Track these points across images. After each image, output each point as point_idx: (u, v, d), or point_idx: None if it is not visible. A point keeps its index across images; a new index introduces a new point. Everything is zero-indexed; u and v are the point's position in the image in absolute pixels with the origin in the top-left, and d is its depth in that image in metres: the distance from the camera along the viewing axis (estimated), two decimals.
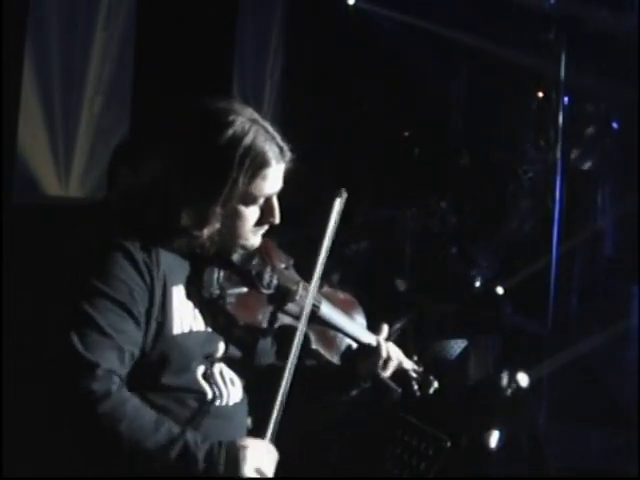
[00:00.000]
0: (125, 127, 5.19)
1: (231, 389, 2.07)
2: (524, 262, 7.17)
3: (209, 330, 2.03)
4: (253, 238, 2.05)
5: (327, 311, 2.25)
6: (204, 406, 2.00)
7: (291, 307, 2.14)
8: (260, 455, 1.90)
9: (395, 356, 2.36)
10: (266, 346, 2.24)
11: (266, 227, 2.07)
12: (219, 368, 2.06)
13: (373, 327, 2.39)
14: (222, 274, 2.05)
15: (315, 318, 2.18)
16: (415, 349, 5.45)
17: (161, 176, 1.95)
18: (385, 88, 7.48)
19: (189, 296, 2.00)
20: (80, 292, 1.85)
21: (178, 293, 1.98)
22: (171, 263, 1.97)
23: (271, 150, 1.99)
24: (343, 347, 2.32)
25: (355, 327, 2.35)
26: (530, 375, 4.95)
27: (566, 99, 7.60)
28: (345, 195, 2.15)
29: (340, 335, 2.30)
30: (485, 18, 7.66)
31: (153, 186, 1.96)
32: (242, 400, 2.12)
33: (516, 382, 4.83)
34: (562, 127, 7.40)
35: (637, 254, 6.72)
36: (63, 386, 1.79)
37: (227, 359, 2.09)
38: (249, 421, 2.18)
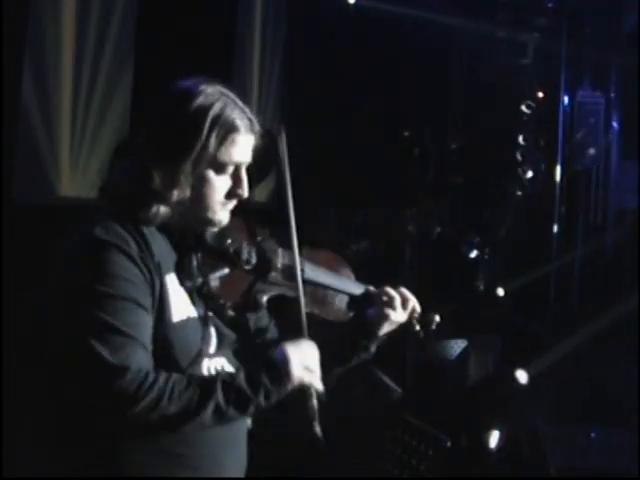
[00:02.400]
0: (125, 127, 5.20)
1: None
2: (524, 262, 7.18)
3: (201, 315, 2.04)
4: (221, 212, 2.05)
5: (312, 272, 2.25)
6: None
7: (275, 276, 2.16)
8: (302, 353, 1.97)
9: (403, 296, 2.34)
10: (262, 323, 2.25)
11: (234, 202, 2.07)
12: (220, 364, 2.06)
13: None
14: (201, 259, 2.06)
15: (303, 281, 2.18)
16: (415, 349, 5.46)
17: (141, 148, 1.99)
18: (385, 88, 7.47)
19: (180, 284, 2.02)
20: (87, 300, 1.85)
21: (171, 282, 1.99)
22: (162, 253, 1.98)
23: (240, 118, 2.03)
24: (337, 303, 2.33)
25: (344, 281, 2.36)
26: (530, 374, 4.95)
27: (566, 99, 7.61)
28: (284, 131, 2.17)
29: (331, 292, 2.32)
30: (486, 17, 7.67)
31: (134, 160, 1.99)
32: None
33: (515, 380, 4.84)
34: (562, 127, 7.41)
35: (637, 254, 6.73)
36: (98, 396, 1.81)
37: (225, 353, 2.09)
38: (249, 421, 2.18)
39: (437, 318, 2.45)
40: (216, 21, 5.96)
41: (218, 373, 1.94)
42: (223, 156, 2.00)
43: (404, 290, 2.37)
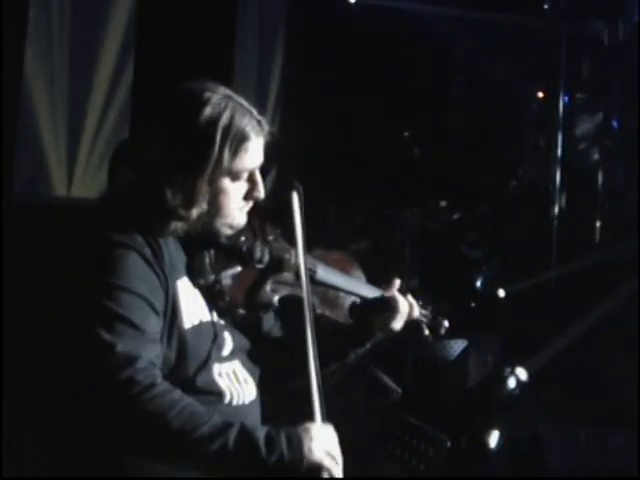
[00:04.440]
0: (126, 128, 5.19)
1: (245, 387, 2.08)
2: (524, 262, 7.17)
3: (214, 319, 2.04)
4: (239, 216, 2.05)
5: (324, 273, 2.25)
6: (222, 407, 1.99)
7: (287, 276, 2.15)
8: (326, 437, 1.82)
9: (405, 305, 2.35)
10: (269, 323, 2.26)
11: (251, 204, 2.07)
12: (232, 367, 2.06)
13: (383, 282, 2.39)
14: (213, 258, 2.05)
15: (314, 282, 2.18)
16: (415, 349, 5.46)
17: (151, 163, 1.98)
18: (385, 88, 7.47)
19: (192, 284, 2.02)
20: (100, 291, 1.84)
21: (182, 286, 1.99)
22: (172, 257, 1.98)
23: (250, 124, 2.00)
24: (347, 305, 2.33)
25: (356, 283, 2.36)
26: (529, 374, 4.95)
27: (566, 99, 7.61)
28: (300, 188, 2.11)
29: (342, 294, 2.32)
30: (485, 18, 7.67)
31: (145, 175, 1.98)
32: (256, 398, 2.12)
33: (515, 377, 4.84)
34: (562, 127, 7.41)
35: (637, 254, 6.72)
36: (107, 384, 1.76)
37: (239, 356, 2.09)
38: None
39: (446, 323, 2.48)
40: (216, 21, 5.95)
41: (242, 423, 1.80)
42: (237, 166, 1.99)
43: (408, 298, 2.37)
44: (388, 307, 2.31)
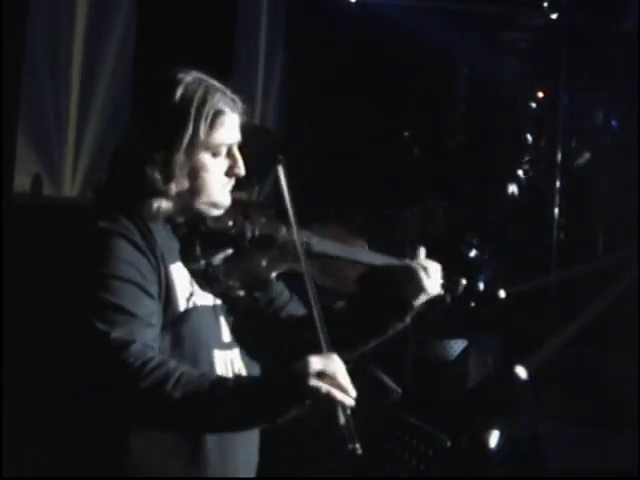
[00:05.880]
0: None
1: None
2: (524, 262, 7.17)
3: (210, 304, 2.06)
4: (223, 194, 2.08)
5: (320, 244, 2.21)
6: None
7: (282, 252, 2.14)
8: (323, 363, 1.82)
9: (435, 268, 2.26)
10: (281, 301, 2.25)
11: (232, 181, 2.10)
12: (231, 356, 2.08)
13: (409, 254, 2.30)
14: (205, 242, 2.07)
15: (311, 254, 2.15)
16: (415, 349, 5.45)
17: (131, 146, 2.03)
18: (385, 88, 7.47)
19: (187, 270, 2.04)
20: (92, 282, 1.88)
21: (177, 271, 2.01)
22: (164, 242, 2.01)
23: (223, 100, 2.07)
24: (354, 273, 2.24)
25: (357, 251, 2.28)
26: (529, 374, 4.96)
27: (566, 99, 7.61)
28: (284, 161, 2.12)
29: (343, 263, 2.24)
30: (485, 18, 7.68)
31: (126, 158, 2.03)
32: None
33: (515, 376, 4.85)
34: (562, 127, 7.41)
35: (637, 253, 6.72)
36: (106, 372, 1.81)
37: (239, 346, 2.10)
38: None
39: (463, 281, 2.39)
40: (216, 20, 5.96)
41: (236, 375, 1.89)
42: (215, 139, 2.03)
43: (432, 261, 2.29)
44: (414, 274, 2.21)
